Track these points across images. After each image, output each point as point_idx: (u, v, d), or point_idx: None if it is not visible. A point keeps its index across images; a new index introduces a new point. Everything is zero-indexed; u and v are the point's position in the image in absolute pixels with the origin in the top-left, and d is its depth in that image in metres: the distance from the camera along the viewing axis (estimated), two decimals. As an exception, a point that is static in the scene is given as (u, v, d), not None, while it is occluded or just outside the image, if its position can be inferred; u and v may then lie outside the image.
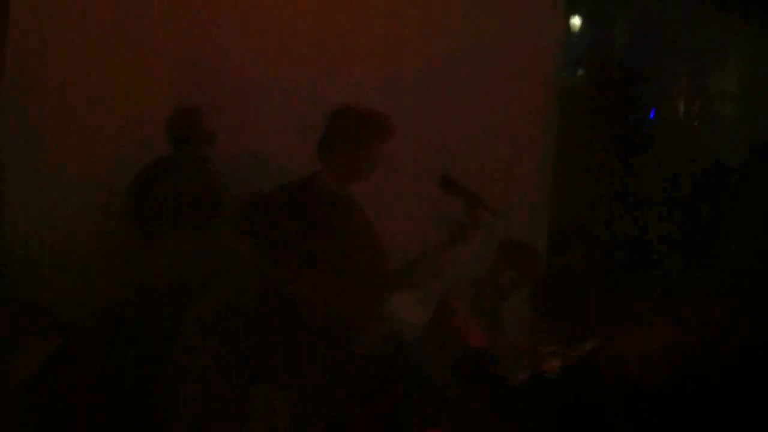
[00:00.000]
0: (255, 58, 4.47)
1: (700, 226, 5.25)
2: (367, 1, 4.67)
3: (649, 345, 3.39)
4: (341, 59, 4.54)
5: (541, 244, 4.61)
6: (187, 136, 4.24)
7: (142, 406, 2.55)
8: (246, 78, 4.47)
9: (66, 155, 4.33)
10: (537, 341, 3.16)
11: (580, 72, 5.38)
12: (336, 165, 3.20)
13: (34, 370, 3.00)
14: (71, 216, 4.31)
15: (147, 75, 4.38)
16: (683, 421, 3.11)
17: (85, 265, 4.24)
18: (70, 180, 4.35)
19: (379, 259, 3.26)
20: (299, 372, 2.89)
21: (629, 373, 3.24)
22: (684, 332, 3.48)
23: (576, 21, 5.87)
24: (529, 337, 3.01)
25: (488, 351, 4.00)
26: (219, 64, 4.47)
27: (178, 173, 4.22)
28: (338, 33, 4.56)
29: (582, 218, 5.04)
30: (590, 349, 3.48)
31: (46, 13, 4.27)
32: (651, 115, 4.36)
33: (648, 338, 3.46)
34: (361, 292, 3.14)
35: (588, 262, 2.99)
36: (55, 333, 3.28)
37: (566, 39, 5.22)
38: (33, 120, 4.26)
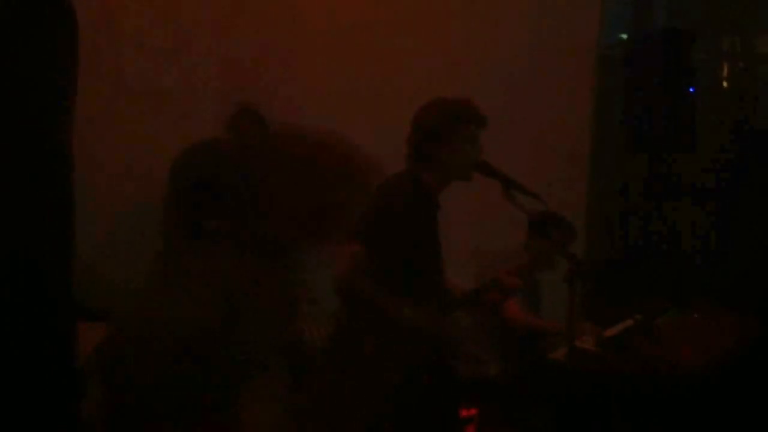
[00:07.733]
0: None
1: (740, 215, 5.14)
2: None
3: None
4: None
5: (579, 219, 4.62)
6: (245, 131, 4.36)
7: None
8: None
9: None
10: (573, 319, 3.18)
11: (622, 37, 5.31)
12: (431, 164, 3.02)
13: (88, 353, 3.16)
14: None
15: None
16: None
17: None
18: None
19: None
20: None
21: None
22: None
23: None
24: (567, 315, 3.03)
25: (526, 326, 4.05)
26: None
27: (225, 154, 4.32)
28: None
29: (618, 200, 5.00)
30: (624, 331, 3.51)
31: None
32: (692, 90, 4.27)
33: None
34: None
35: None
36: (104, 320, 3.43)
37: (606, 5, 5.14)
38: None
